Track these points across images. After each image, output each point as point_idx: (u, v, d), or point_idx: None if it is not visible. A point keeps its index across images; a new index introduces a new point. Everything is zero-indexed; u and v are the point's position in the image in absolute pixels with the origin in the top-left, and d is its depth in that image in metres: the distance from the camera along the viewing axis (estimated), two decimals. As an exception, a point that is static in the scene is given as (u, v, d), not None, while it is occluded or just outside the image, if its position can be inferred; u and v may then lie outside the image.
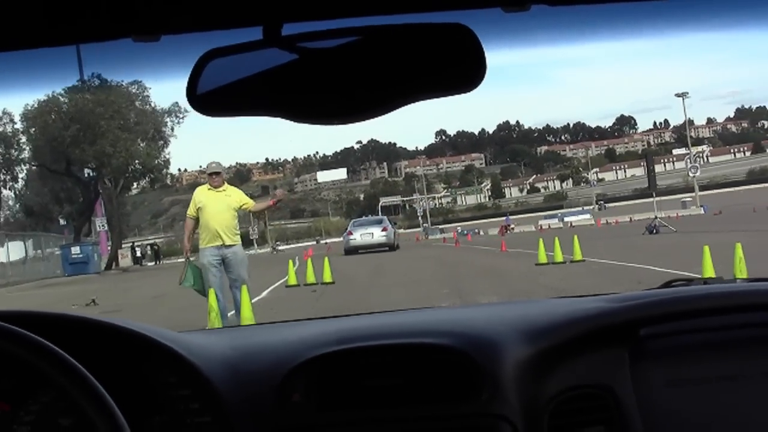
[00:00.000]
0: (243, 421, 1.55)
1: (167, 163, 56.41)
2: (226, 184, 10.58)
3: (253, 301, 10.96)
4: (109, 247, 54.77)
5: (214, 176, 10.38)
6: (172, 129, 54.90)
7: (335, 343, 1.65)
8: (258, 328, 2.21)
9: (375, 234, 38.77)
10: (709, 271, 11.05)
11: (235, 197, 10.49)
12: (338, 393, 1.59)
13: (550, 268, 17.75)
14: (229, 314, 10.41)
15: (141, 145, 52.64)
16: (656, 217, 30.24)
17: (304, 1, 1.15)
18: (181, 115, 54.13)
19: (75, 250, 46.58)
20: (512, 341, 1.62)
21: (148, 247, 71.70)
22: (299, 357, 1.61)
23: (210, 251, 10.19)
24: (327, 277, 18.83)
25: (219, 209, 10.19)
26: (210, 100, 1.18)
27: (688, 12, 1.25)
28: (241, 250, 10.56)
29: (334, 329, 1.78)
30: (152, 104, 54.47)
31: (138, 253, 62.60)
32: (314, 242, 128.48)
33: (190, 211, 10.39)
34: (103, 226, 54.92)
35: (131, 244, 68.40)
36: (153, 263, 63.19)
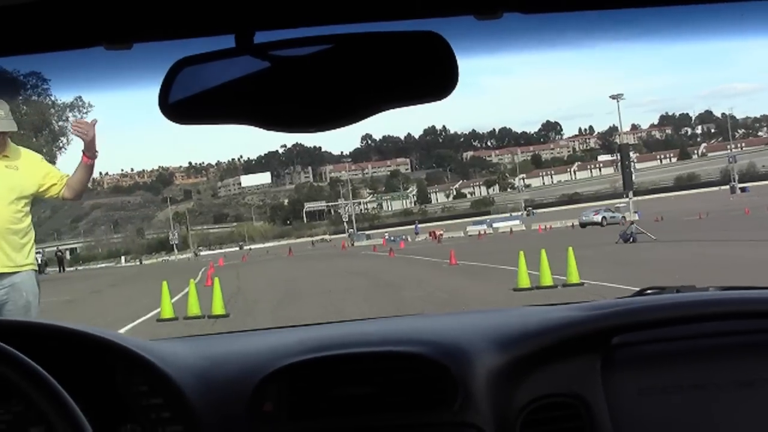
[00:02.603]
0: (214, 431, 1.54)
1: (52, 160, 50.93)
2: (14, 146, 5.16)
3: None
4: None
5: None
6: (74, 125, 49.36)
7: (307, 351, 1.63)
8: (230, 336, 2.10)
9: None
10: None
11: (27, 172, 5.11)
12: (310, 402, 1.58)
13: (541, 297, 12.62)
14: None
15: (33, 140, 47.10)
16: (632, 223, 25.77)
17: (276, 9, 1.14)
18: (84, 110, 48.77)
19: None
20: (485, 350, 1.62)
21: (56, 254, 68.01)
22: (271, 366, 1.60)
23: None
24: (217, 308, 13.93)
25: None
26: (182, 108, 1.17)
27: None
28: (32, 281, 5.13)
29: (306, 337, 1.76)
30: (52, 98, 48.88)
31: (39, 261, 56.99)
32: (237, 248, 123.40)
33: None
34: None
35: (41, 250, 63.35)
36: (57, 270, 61.64)
